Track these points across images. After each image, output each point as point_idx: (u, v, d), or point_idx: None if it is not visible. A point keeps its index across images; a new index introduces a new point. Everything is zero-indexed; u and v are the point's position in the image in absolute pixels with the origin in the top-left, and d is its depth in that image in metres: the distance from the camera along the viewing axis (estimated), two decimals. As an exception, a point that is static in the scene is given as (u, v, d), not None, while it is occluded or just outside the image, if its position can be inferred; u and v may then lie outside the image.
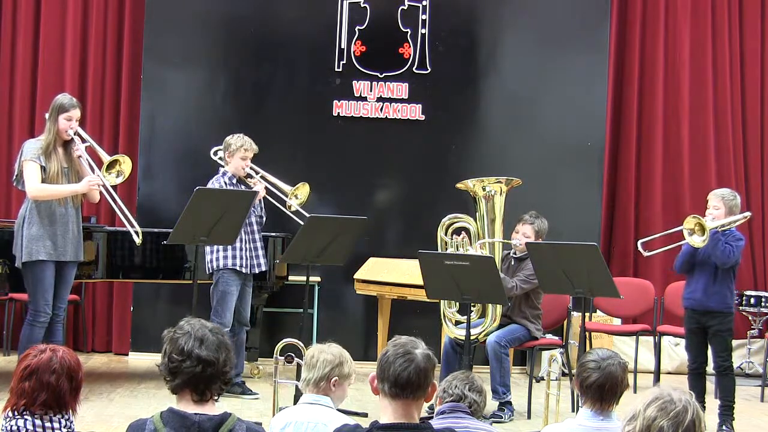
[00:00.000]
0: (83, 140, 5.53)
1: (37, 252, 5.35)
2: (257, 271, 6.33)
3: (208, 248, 6.15)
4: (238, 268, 6.16)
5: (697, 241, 5.33)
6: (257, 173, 6.30)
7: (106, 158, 5.45)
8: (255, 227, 6.28)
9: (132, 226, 5.57)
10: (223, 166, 6.31)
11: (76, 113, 5.51)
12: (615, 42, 8.24)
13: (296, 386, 4.68)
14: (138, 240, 5.56)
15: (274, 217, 6.58)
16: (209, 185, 6.12)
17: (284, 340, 4.94)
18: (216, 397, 2.51)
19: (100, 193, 5.60)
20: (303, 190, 6.36)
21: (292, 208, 6.36)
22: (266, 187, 6.32)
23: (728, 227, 5.51)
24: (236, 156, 6.18)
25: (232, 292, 6.16)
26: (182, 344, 2.47)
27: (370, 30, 7.74)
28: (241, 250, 6.17)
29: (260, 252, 6.32)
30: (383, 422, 2.56)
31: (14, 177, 5.55)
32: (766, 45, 8.45)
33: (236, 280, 6.18)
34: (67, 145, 5.53)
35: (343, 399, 3.48)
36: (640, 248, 5.78)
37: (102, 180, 5.44)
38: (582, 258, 5.23)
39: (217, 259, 6.15)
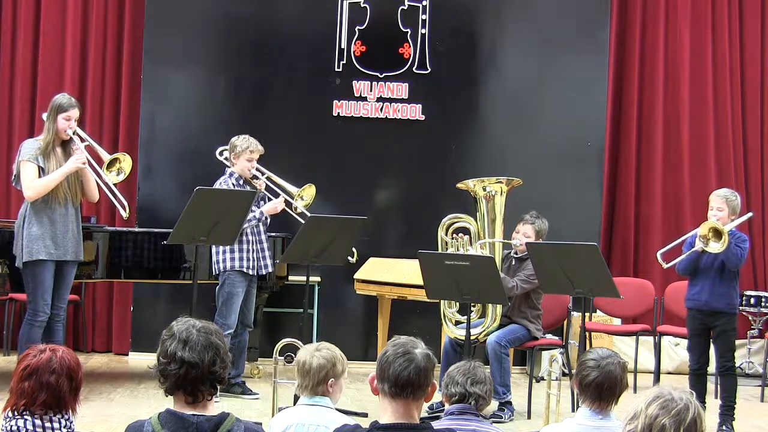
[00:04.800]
0: (82, 140, 5.52)
1: (37, 251, 5.34)
2: (264, 273, 6.32)
3: (214, 249, 6.15)
4: (245, 270, 6.15)
5: (715, 247, 5.29)
6: (263, 174, 6.29)
7: (106, 157, 5.44)
8: (261, 228, 6.27)
9: (119, 201, 5.55)
10: (228, 167, 6.30)
11: (74, 113, 5.50)
12: (615, 42, 8.24)
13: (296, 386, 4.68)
14: (125, 214, 5.54)
15: (275, 217, 6.57)
16: (216, 186, 6.11)
17: (284, 340, 4.95)
18: (211, 397, 2.50)
19: (99, 189, 5.59)
20: (309, 192, 6.34)
21: (297, 210, 6.34)
22: (271, 188, 6.31)
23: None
24: (242, 157, 6.17)
25: (238, 293, 6.15)
26: (167, 347, 2.46)
27: (370, 30, 7.74)
28: (248, 251, 6.16)
29: (267, 253, 6.32)
30: (383, 422, 2.56)
31: (13, 177, 5.54)
32: (766, 45, 8.44)
33: (242, 282, 6.17)
34: (66, 144, 5.52)
35: (340, 393, 3.47)
36: (659, 260, 5.72)
37: (87, 157, 5.43)
38: (582, 258, 5.23)
39: (224, 260, 6.14)
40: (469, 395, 3.23)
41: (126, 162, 5.44)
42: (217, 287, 6.20)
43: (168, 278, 6.65)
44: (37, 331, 5.40)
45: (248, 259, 6.16)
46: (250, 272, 6.19)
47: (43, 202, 5.38)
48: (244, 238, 6.08)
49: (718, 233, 5.29)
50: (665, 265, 5.71)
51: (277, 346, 5.01)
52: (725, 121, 8.30)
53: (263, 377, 6.89)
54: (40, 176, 5.38)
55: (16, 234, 5.44)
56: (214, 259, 6.17)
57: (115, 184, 5.53)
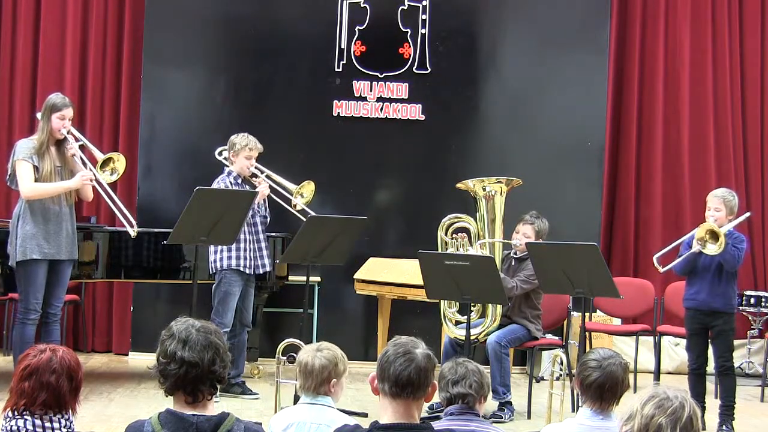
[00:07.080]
0: (76, 139, 5.51)
1: (31, 251, 5.33)
2: (261, 272, 6.31)
3: (211, 248, 6.15)
4: (241, 269, 6.14)
5: (712, 249, 5.30)
6: (262, 172, 6.28)
7: (100, 156, 5.44)
8: (259, 227, 6.26)
9: (126, 219, 5.55)
10: (227, 166, 6.29)
11: (69, 112, 5.49)
12: (615, 42, 8.24)
13: (296, 387, 4.69)
14: (133, 233, 5.54)
15: (277, 216, 6.58)
16: (214, 185, 6.11)
17: (286, 340, 4.95)
18: (211, 397, 2.49)
19: (95, 190, 5.58)
20: (308, 188, 6.34)
21: (298, 207, 6.34)
22: (270, 186, 6.30)
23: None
24: (241, 155, 6.16)
25: (234, 292, 6.15)
26: (167, 347, 2.47)
27: (370, 30, 7.73)
28: (245, 250, 6.15)
29: (265, 253, 6.31)
30: (383, 422, 2.56)
31: (8, 177, 5.53)
32: (766, 45, 8.44)
33: (239, 281, 6.16)
34: (60, 144, 5.51)
35: (341, 392, 3.47)
36: (656, 264, 5.72)
37: (95, 174, 5.43)
38: (582, 258, 5.23)
39: (221, 259, 6.13)
40: (454, 397, 3.20)
41: (120, 162, 5.43)
42: (214, 286, 6.20)
43: (168, 278, 6.65)
44: (30, 328, 5.39)
45: (245, 258, 6.15)
46: (247, 271, 6.18)
47: (38, 201, 5.37)
48: (241, 237, 6.06)
49: (715, 235, 5.30)
50: (661, 270, 5.72)
51: (279, 346, 5.01)
52: (725, 121, 8.30)
53: (263, 377, 6.89)
54: (35, 175, 5.37)
55: (10, 232, 5.43)
56: (210, 258, 6.17)
57: (113, 186, 5.51)
